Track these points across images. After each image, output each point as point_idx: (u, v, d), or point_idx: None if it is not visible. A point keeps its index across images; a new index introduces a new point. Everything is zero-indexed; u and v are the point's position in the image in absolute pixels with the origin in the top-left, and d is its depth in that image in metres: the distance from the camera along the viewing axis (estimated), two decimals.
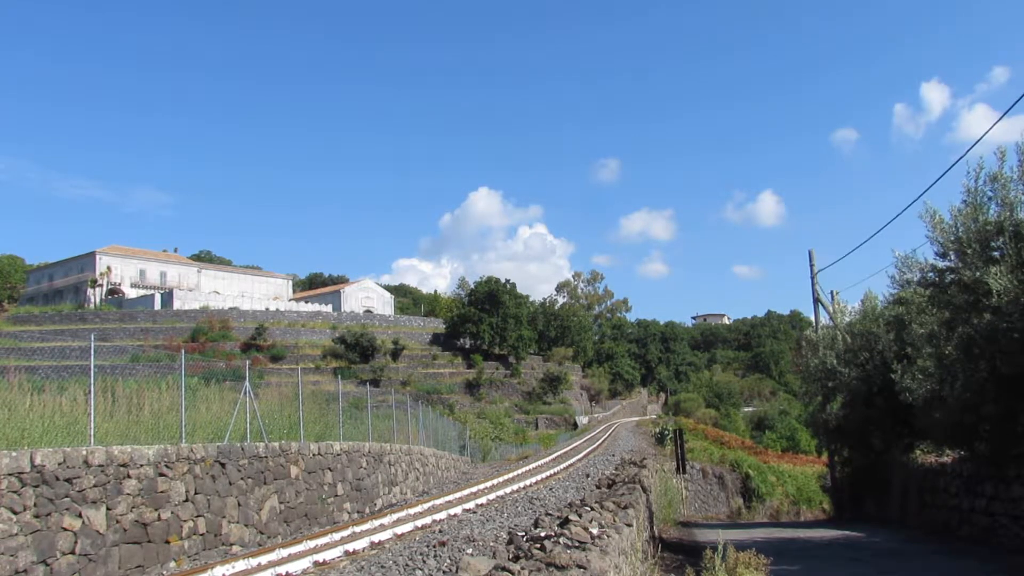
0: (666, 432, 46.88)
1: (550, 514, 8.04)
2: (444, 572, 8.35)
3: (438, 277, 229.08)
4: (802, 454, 57.70)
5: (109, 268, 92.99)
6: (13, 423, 11.10)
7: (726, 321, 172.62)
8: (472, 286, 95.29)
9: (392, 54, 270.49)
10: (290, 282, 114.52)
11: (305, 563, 9.49)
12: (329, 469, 16.84)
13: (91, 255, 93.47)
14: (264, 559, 9.91)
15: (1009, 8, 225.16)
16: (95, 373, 11.53)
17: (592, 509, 7.83)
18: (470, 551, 8.91)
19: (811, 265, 25.20)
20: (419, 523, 12.63)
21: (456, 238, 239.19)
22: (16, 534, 8.93)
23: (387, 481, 20.74)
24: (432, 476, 26.77)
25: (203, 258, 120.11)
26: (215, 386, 19.01)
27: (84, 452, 10.17)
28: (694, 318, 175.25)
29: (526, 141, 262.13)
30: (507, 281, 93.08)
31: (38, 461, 9.42)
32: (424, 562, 8.97)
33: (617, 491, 10.44)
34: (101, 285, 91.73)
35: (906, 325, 15.85)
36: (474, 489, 18.77)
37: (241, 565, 9.53)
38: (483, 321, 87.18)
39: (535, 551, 5.48)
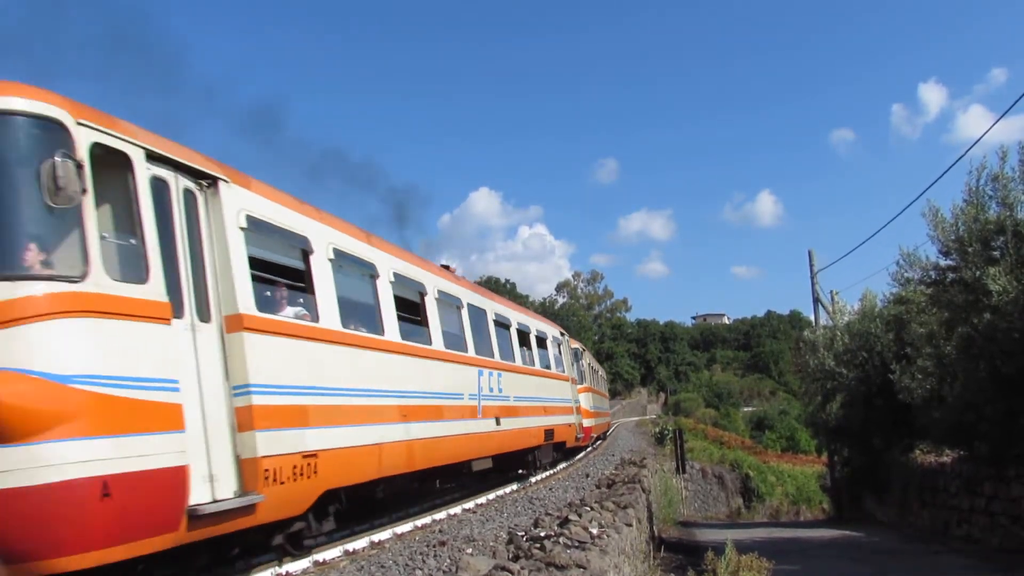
0: (666, 432, 46.85)
1: (550, 514, 8.06)
2: (444, 572, 8.34)
3: None
4: (802, 454, 57.66)
5: None
6: None
7: (726, 321, 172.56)
8: None
9: (392, 55, 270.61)
10: None
11: (304, 563, 9.47)
12: None
13: None
14: (263, 557, 9.90)
15: (1008, 9, 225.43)
16: None
17: (592, 509, 7.85)
18: (470, 551, 8.89)
19: (811, 265, 25.24)
20: (418, 522, 12.61)
21: (455, 238, 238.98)
22: None
23: None
24: None
25: None
26: None
27: None
28: (694, 318, 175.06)
29: (526, 142, 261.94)
30: (507, 281, 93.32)
31: None
32: (424, 561, 8.97)
33: (617, 491, 10.46)
34: None
35: (906, 325, 15.84)
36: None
37: (240, 564, 9.51)
38: None
39: (535, 551, 5.49)
